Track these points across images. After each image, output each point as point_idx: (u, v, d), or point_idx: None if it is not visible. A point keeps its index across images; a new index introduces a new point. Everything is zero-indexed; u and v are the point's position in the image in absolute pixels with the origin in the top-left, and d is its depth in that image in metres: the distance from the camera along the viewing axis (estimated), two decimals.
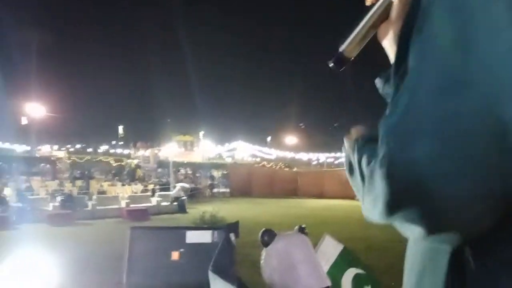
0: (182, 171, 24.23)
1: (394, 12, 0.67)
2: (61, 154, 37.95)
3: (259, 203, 18.81)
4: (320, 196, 21.42)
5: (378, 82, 0.76)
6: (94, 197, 15.16)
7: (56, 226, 11.99)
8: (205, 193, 21.80)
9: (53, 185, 17.56)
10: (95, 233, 11.13)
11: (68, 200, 13.75)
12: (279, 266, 3.35)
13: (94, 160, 39.00)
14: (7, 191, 15.19)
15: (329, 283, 3.46)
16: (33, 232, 11.07)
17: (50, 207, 13.74)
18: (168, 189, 18.06)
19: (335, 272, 3.68)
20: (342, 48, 0.76)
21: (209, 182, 23.28)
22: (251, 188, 22.04)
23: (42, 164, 31.22)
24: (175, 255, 3.12)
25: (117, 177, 22.39)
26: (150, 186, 19.43)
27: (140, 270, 3.12)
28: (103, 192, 16.53)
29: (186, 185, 18.79)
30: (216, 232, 3.15)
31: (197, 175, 24.65)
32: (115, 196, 15.77)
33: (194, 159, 36.90)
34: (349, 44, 0.75)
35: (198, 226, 3.31)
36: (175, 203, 15.57)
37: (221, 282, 2.76)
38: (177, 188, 16.65)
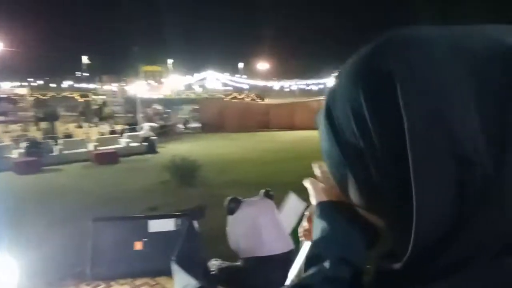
0: (151, 108, 23.66)
1: None
2: (23, 91, 36.26)
3: (232, 138, 18.85)
4: (292, 127, 21.64)
5: None
6: (61, 141, 14.74)
7: (23, 174, 11.73)
8: (176, 130, 21.56)
9: (16, 129, 16.88)
10: (62, 180, 10.97)
11: (33, 146, 13.32)
12: (244, 233, 3.36)
13: (58, 96, 37.54)
14: None
15: (291, 246, 3.54)
16: (1, 182, 10.81)
17: (15, 154, 13.33)
18: (136, 129, 17.73)
19: (298, 232, 3.76)
20: None
21: (180, 119, 23.00)
22: (223, 122, 21.93)
23: (4, 103, 29.88)
24: (138, 245, 3.05)
25: (83, 117, 21.71)
26: (118, 126, 19.00)
27: (103, 262, 3.05)
28: (69, 135, 16.07)
29: (154, 124, 18.46)
30: (179, 219, 3.08)
31: (168, 110, 24.17)
32: (82, 139, 15.38)
33: (163, 93, 36.07)
34: None
35: (162, 214, 3.21)
36: (145, 143, 15.38)
37: (183, 274, 2.75)
38: (146, 128, 16.35)
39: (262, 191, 4.32)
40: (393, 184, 0.44)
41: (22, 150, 13.29)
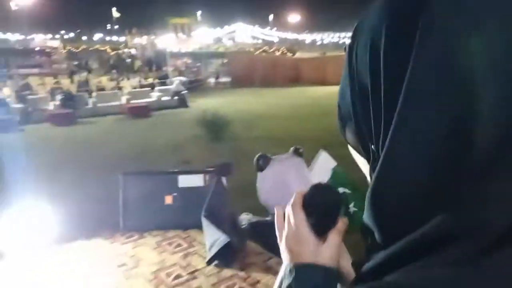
0: (181, 62, 23.68)
1: None
2: (56, 43, 36.81)
3: (261, 93, 18.72)
4: (323, 83, 21.22)
5: None
6: (94, 94, 15.05)
7: (59, 126, 12.13)
8: (206, 85, 21.59)
9: (51, 82, 17.28)
10: (96, 133, 11.27)
11: (69, 99, 13.67)
12: (274, 188, 3.38)
13: (90, 49, 37.96)
14: (6, 91, 15.04)
15: None
16: (38, 134, 11.25)
17: (51, 106, 13.74)
18: (167, 83, 17.80)
19: None
20: None
21: (210, 73, 22.96)
22: (252, 77, 21.71)
23: (38, 56, 30.55)
24: (168, 199, 3.15)
25: (114, 70, 21.97)
26: (149, 80, 19.14)
27: (135, 214, 3.18)
28: (102, 88, 16.35)
29: (185, 78, 18.50)
30: (208, 175, 3.13)
31: (197, 64, 24.11)
32: (115, 93, 15.65)
33: (192, 47, 35.82)
34: None
35: (191, 170, 3.27)
36: (176, 98, 15.50)
37: (213, 229, 2.83)
38: (176, 82, 16.41)
39: (292, 148, 4.33)
40: (377, 131, 0.41)
41: (57, 103, 13.66)
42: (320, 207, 0.61)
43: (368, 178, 0.48)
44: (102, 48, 37.25)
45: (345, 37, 49.54)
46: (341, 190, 3.70)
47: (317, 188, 0.63)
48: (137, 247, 2.88)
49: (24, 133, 11.47)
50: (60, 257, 2.82)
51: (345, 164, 3.83)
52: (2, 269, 2.65)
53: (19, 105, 13.23)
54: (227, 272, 2.48)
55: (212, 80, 22.65)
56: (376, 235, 0.41)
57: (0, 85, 16.16)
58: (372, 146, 0.44)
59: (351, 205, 3.66)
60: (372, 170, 0.44)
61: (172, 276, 2.45)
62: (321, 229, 0.61)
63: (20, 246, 2.87)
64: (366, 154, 0.47)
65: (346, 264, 0.62)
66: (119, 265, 2.62)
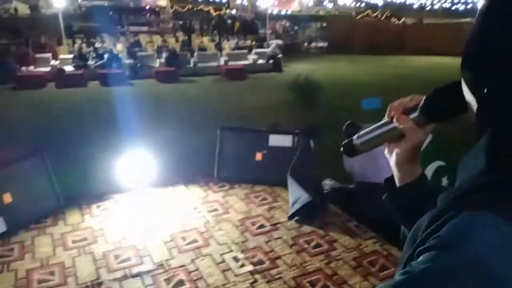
0: (280, 24, 23.64)
1: (401, 147, 0.76)
2: (164, 2, 38.71)
3: (358, 61, 18.09)
4: (428, 52, 19.75)
5: None
6: (195, 54, 15.81)
7: (163, 83, 13.08)
8: (302, 49, 21.38)
9: (158, 40, 18.47)
10: (196, 91, 11.96)
11: (173, 57, 14.56)
12: (360, 158, 3.45)
13: (194, 9, 39.38)
14: (119, 47, 16.44)
15: None
16: (145, 88, 12.28)
17: (156, 63, 14.77)
18: (263, 45, 17.98)
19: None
20: (356, 141, 0.82)
21: (307, 37, 22.63)
22: (350, 43, 20.87)
23: (147, 15, 32.60)
24: (258, 156, 3.39)
25: (216, 31, 22.66)
26: (248, 42, 19.50)
27: (228, 167, 3.48)
28: (204, 49, 17.07)
29: (281, 42, 18.50)
30: (296, 137, 3.29)
31: (295, 27, 23.88)
32: (214, 54, 16.27)
33: (292, 8, 35.39)
34: (363, 143, 0.81)
35: (280, 129, 3.45)
36: (271, 61, 15.68)
37: (297, 187, 3.00)
38: (273, 46, 16.52)
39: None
40: (492, 79, 0.53)
41: (163, 60, 14.64)
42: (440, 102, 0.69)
43: (474, 109, 0.56)
44: (206, 9, 38.45)
45: (459, 3, 44.99)
46: (436, 163, 3.57)
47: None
48: (228, 196, 3.18)
49: (133, 87, 12.59)
50: (162, 198, 3.22)
51: (441, 138, 3.72)
52: (124, 201, 3.12)
53: (130, 61, 14.43)
54: (306, 228, 2.66)
55: (307, 45, 22.33)
56: (483, 162, 0.52)
57: (114, 41, 17.68)
58: (485, 90, 0.52)
59: (445, 178, 3.54)
60: (479, 110, 0.54)
61: (257, 225, 2.70)
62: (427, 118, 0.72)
63: (131, 185, 3.32)
64: (477, 94, 0.54)
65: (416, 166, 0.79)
66: (211, 210, 2.94)
